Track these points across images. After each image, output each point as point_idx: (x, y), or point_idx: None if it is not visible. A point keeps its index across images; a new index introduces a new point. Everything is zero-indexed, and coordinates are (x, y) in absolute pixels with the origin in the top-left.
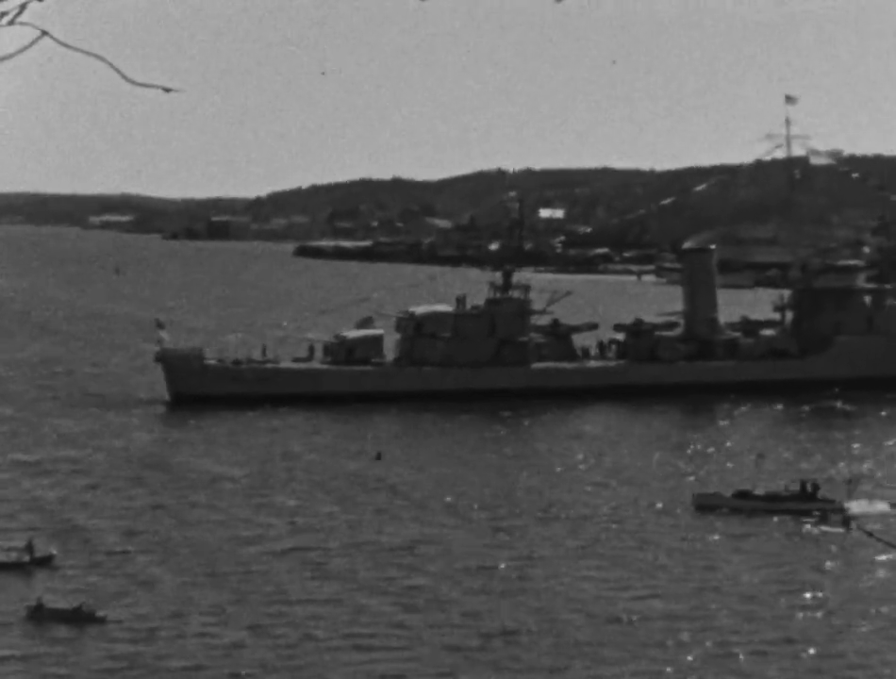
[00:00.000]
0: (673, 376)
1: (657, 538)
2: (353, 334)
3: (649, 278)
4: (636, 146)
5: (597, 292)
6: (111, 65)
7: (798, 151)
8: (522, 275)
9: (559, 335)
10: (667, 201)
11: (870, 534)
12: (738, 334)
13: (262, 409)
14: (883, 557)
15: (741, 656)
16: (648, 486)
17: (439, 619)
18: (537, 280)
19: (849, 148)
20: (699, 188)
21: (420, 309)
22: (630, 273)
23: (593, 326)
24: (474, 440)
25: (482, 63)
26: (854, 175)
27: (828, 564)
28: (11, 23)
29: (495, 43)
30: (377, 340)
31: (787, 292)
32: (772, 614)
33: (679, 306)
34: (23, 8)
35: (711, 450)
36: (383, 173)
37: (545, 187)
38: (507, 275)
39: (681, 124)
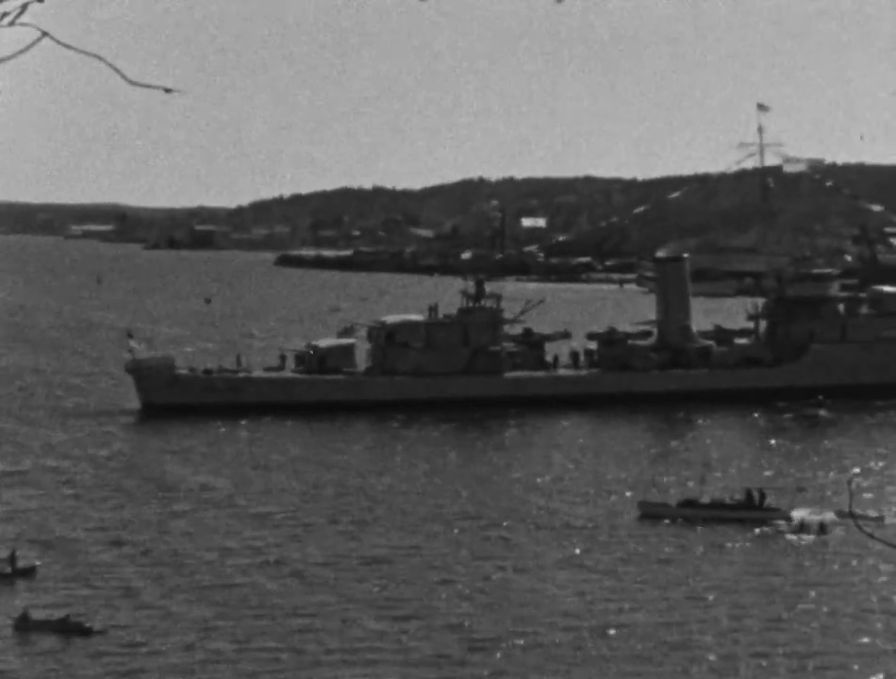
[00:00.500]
0: (646, 385)
1: (638, 548)
2: (324, 343)
3: (630, 287)
4: (618, 155)
5: (578, 301)
6: (111, 66)
7: (773, 159)
8: (497, 285)
9: (532, 344)
10: (640, 209)
11: (870, 535)
12: (711, 342)
13: (235, 419)
14: (860, 562)
15: (733, 666)
16: (623, 495)
17: (424, 629)
18: (518, 289)
19: (830, 157)
20: (672, 196)
21: (391, 318)
22: (612, 281)
23: (566, 335)
24: (451, 450)
25: (464, 72)
26: (828, 184)
27: (812, 570)
28: (12, 23)
29: (477, 53)
30: (349, 350)
31: (760, 301)
32: (760, 624)
33: (654, 314)
34: (24, 8)
35: (684, 458)
36: (365, 182)
37: (527, 196)
38: (480, 284)
39: (663, 132)
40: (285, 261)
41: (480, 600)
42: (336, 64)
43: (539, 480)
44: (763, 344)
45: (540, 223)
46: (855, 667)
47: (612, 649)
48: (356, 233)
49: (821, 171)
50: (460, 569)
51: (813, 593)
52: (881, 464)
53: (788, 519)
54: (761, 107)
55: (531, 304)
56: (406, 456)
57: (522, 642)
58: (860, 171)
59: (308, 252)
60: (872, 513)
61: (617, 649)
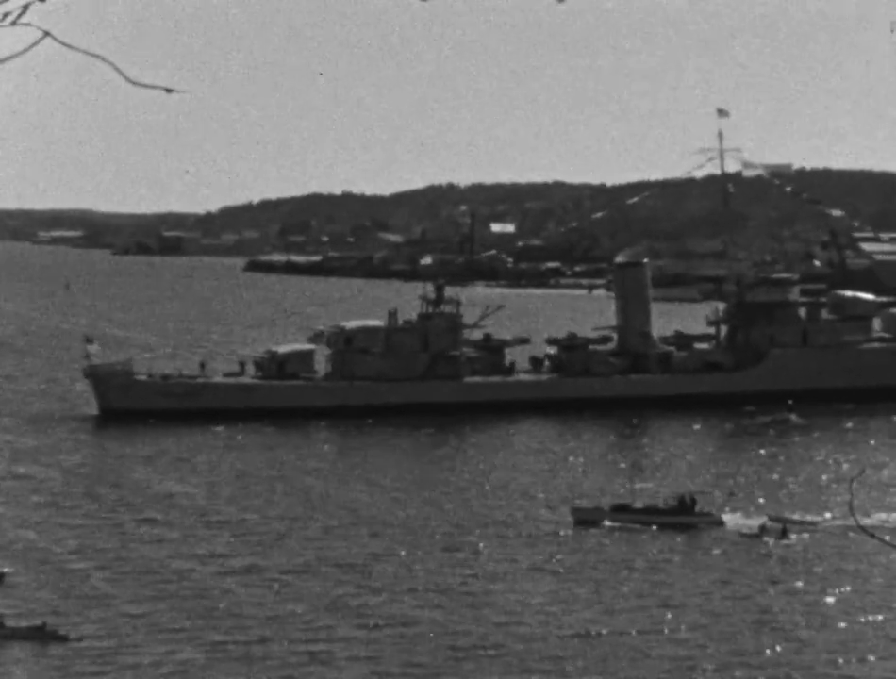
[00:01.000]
0: (607, 390)
1: (607, 553)
2: (283, 349)
3: (600, 292)
4: (587, 161)
5: (540, 306)
6: (113, 66)
7: (733, 165)
8: (467, 290)
9: (492, 349)
10: (598, 215)
11: (871, 535)
12: (671, 348)
13: (194, 425)
14: (827, 567)
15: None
16: (589, 498)
17: (397, 636)
18: (484, 294)
19: (798, 162)
20: (631, 201)
21: (350, 324)
22: (581, 286)
23: (525, 341)
24: (411, 456)
25: (432, 77)
26: (788, 189)
27: (782, 576)
28: (14, 23)
29: (446, 58)
30: (308, 355)
31: (721, 306)
32: (731, 628)
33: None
34: (25, 8)
35: (645, 463)
36: (334, 187)
37: (496, 201)
38: (440, 290)
39: (633, 138)
40: (254, 267)
41: (450, 606)
42: (305, 70)
43: (487, 486)
44: (723, 349)
45: (509, 228)
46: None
47: (577, 655)
48: (326, 239)
49: (782, 176)
50: (427, 575)
51: (781, 599)
52: (825, 474)
53: (720, 523)
54: (721, 113)
55: (490, 309)
56: (368, 462)
57: (490, 650)
58: (827, 176)
59: (278, 257)
60: (809, 517)
61: (577, 656)
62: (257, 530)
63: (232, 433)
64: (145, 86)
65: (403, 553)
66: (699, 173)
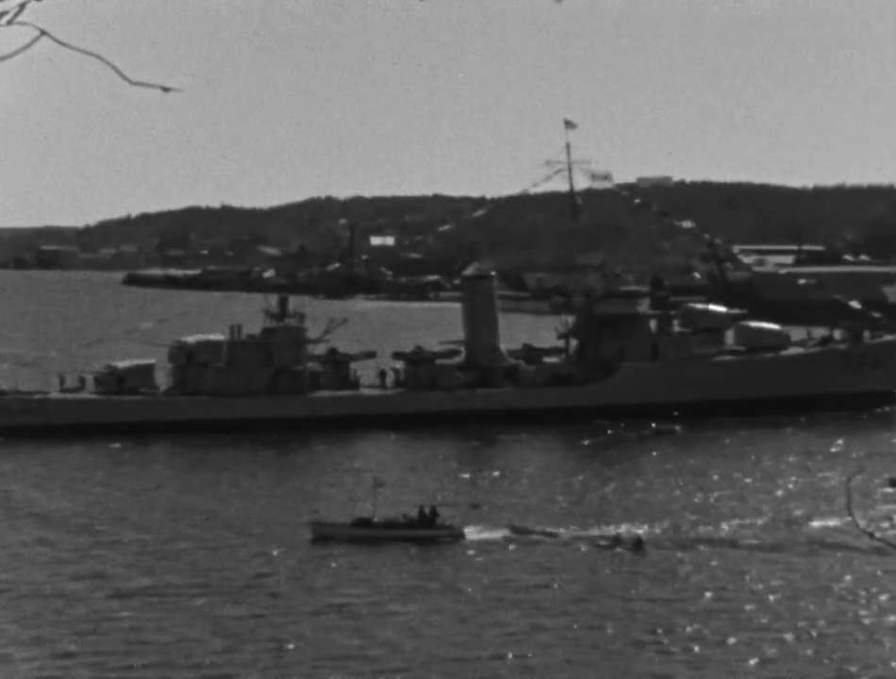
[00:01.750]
0: (453, 404)
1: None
2: (123, 364)
3: None
4: (467, 173)
5: (389, 319)
6: (111, 65)
7: (581, 176)
8: (349, 303)
9: (337, 363)
10: (445, 227)
11: (871, 534)
12: (520, 361)
13: (31, 442)
14: (688, 576)
15: None
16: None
17: (272, 652)
18: (368, 308)
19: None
20: (476, 214)
21: (192, 338)
22: (460, 300)
23: (370, 355)
24: (252, 471)
25: (310, 89)
26: (637, 201)
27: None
28: (10, 23)
29: (324, 72)
30: (149, 370)
31: (571, 318)
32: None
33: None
34: (22, 7)
35: (488, 479)
36: (212, 200)
37: (376, 214)
38: (283, 303)
39: (513, 151)
40: (133, 281)
41: (349, 624)
42: (183, 82)
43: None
44: (573, 363)
45: (389, 241)
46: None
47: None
48: (204, 252)
49: (623, 187)
50: (328, 592)
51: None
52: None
53: (461, 536)
54: (568, 124)
55: (335, 323)
56: (210, 478)
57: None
58: (706, 188)
59: (157, 271)
60: (549, 529)
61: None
62: (145, 548)
63: (66, 450)
64: (144, 85)
65: (293, 567)
66: (548, 187)
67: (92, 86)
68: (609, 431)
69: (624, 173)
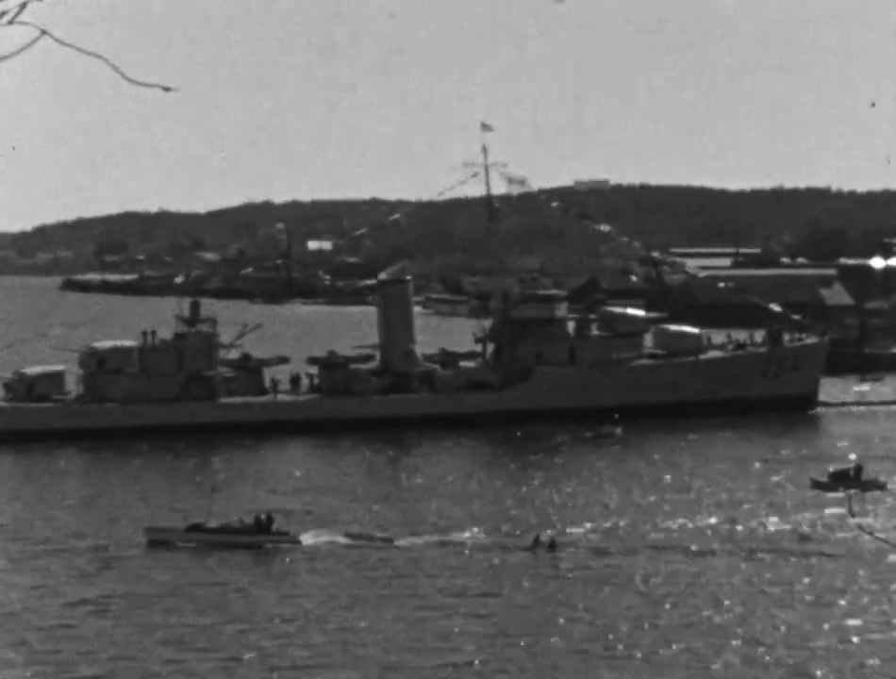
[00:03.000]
0: (368, 410)
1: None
2: (33, 370)
3: (417, 309)
4: (404, 177)
5: (306, 324)
6: (112, 65)
7: (497, 179)
8: (287, 307)
9: (250, 369)
10: (360, 232)
11: (870, 533)
12: (436, 366)
13: None
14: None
15: None
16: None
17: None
18: (305, 312)
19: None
20: (392, 218)
21: (102, 344)
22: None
23: (283, 360)
24: (161, 478)
25: (246, 92)
26: (554, 204)
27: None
28: (11, 22)
29: (260, 74)
30: (59, 377)
31: (488, 322)
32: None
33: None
34: (22, 7)
35: (402, 485)
36: (149, 205)
37: (313, 219)
38: (195, 308)
39: (449, 155)
40: (70, 286)
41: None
42: (115, 85)
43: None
44: (489, 367)
45: (327, 245)
46: None
47: None
48: (141, 257)
49: (544, 192)
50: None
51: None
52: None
53: (297, 542)
54: (485, 127)
55: (248, 328)
56: (121, 486)
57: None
58: (645, 192)
59: (94, 276)
60: (386, 536)
61: None
62: (45, 557)
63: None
64: (142, 84)
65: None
66: (468, 191)
67: (29, 92)
68: (518, 434)
69: (561, 177)
